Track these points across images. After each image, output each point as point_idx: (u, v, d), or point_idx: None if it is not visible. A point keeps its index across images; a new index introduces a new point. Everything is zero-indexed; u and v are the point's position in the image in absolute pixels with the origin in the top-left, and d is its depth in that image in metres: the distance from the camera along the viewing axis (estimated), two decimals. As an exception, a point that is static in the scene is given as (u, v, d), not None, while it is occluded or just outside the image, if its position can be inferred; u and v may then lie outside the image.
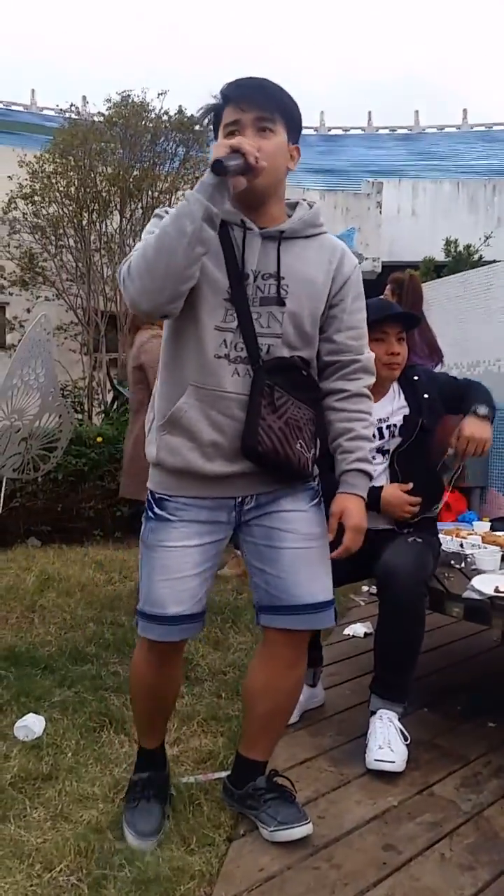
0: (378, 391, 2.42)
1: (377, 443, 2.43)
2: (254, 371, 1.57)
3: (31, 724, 2.26)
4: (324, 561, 1.71)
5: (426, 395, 2.42)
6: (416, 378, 2.46)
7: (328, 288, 1.64)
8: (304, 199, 1.68)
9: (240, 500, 1.66)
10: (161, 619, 1.64)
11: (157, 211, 1.61)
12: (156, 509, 1.66)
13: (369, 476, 1.73)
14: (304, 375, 1.64)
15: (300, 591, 1.66)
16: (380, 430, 2.42)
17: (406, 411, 2.42)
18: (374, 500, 2.27)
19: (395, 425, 2.41)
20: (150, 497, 1.70)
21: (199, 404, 1.57)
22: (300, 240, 1.62)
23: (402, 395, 2.44)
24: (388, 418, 2.42)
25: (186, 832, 1.77)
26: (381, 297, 3.50)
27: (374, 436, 2.40)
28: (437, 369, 3.65)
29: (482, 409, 2.31)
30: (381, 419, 2.42)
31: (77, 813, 1.87)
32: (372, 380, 1.75)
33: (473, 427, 2.28)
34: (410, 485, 2.36)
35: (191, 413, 1.57)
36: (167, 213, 1.52)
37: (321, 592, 1.69)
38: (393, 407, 2.43)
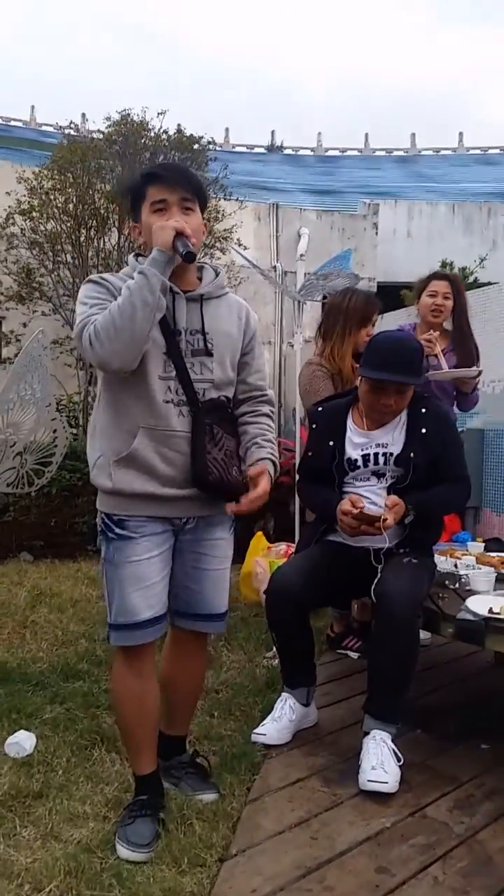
0: (381, 421, 2.44)
1: (372, 467, 2.44)
2: (194, 412, 1.85)
3: (22, 741, 2.24)
4: (227, 578, 2.04)
5: (423, 431, 2.42)
6: (423, 411, 2.45)
7: (241, 340, 1.97)
8: (208, 264, 1.99)
9: (184, 520, 1.92)
10: (136, 625, 1.85)
11: (91, 278, 1.87)
12: (116, 530, 1.86)
13: (274, 464, 2.02)
14: (229, 412, 1.96)
15: (214, 602, 1.99)
16: (376, 454, 2.43)
17: (402, 441, 2.42)
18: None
19: (391, 454, 2.42)
20: (106, 520, 1.88)
21: (153, 444, 1.83)
22: (214, 300, 1.93)
23: (405, 427, 2.44)
24: (386, 445, 2.43)
25: (178, 852, 1.76)
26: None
27: (370, 460, 2.43)
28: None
29: (410, 510, 2.33)
30: (379, 444, 2.43)
31: (67, 832, 1.85)
32: (271, 408, 2.07)
33: (398, 516, 2.30)
34: (362, 500, 2.35)
35: (145, 452, 1.82)
36: (104, 280, 1.83)
37: (224, 604, 2.03)
38: (394, 436, 2.45)
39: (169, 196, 1.81)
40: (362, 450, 2.46)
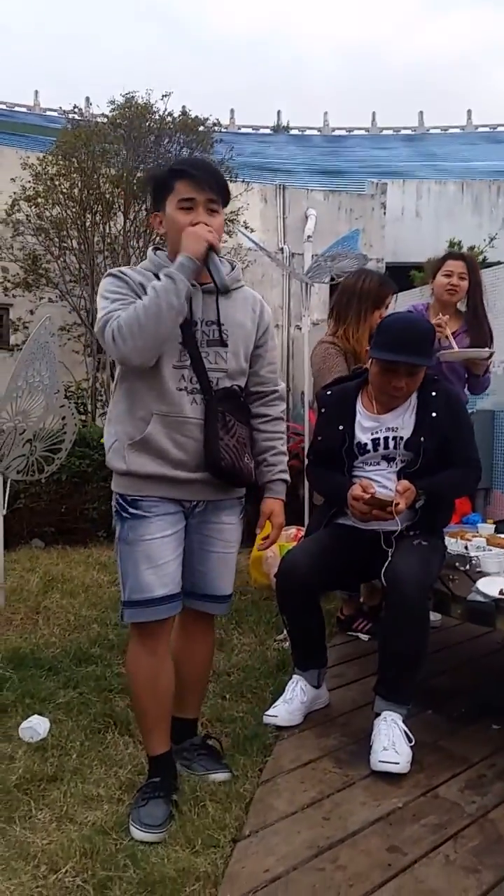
0: (391, 405, 2.43)
1: (382, 451, 2.43)
2: (207, 400, 1.90)
3: (36, 726, 2.27)
4: (233, 562, 2.09)
5: (434, 414, 2.40)
6: (433, 394, 2.43)
7: (255, 332, 2.02)
8: (225, 258, 1.99)
9: (194, 503, 1.97)
10: (150, 601, 1.88)
11: (112, 272, 1.91)
12: (130, 510, 1.90)
13: (286, 482, 2.12)
14: (241, 402, 2.01)
15: (218, 584, 2.04)
16: (386, 439, 2.42)
17: (413, 424, 2.41)
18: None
19: (401, 438, 2.41)
20: (121, 501, 1.92)
21: (165, 430, 1.88)
22: (230, 293, 1.97)
23: (415, 411, 2.43)
24: (396, 429, 2.42)
25: (192, 833, 1.78)
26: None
27: (379, 444, 2.42)
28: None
29: (421, 494, 2.32)
30: (389, 428, 2.42)
31: (82, 814, 1.87)
32: (283, 405, 2.12)
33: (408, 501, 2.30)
34: (373, 485, 2.35)
35: (158, 437, 1.87)
36: (123, 274, 1.87)
37: (228, 587, 2.08)
38: (404, 419, 2.43)
39: (197, 196, 1.85)
40: (372, 434, 2.45)
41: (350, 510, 2.37)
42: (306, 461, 2.75)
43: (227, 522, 2.03)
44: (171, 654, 2.05)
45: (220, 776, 2.04)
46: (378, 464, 2.45)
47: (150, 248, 1.98)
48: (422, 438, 2.38)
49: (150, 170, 2.01)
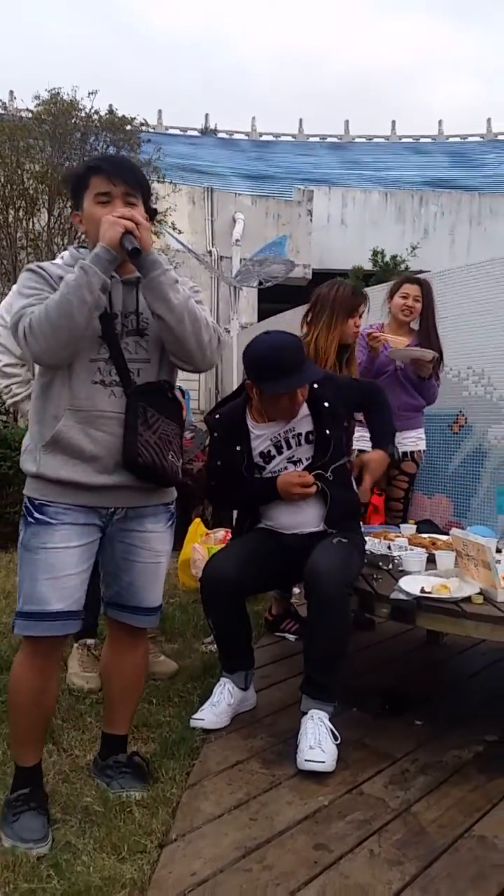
0: (283, 417, 2.46)
1: (286, 453, 2.46)
2: (127, 394, 1.81)
3: (-45, 737, 2.18)
4: (163, 573, 2.00)
5: (326, 404, 2.46)
6: (315, 386, 2.47)
7: None
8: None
9: (112, 510, 1.86)
10: (44, 615, 1.77)
11: (29, 266, 1.83)
12: (35, 514, 1.80)
13: None
14: (169, 397, 1.90)
15: (144, 596, 1.95)
16: (286, 440, 2.46)
17: (309, 419, 2.45)
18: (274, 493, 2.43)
19: (300, 434, 2.46)
20: (28, 504, 1.82)
21: (79, 425, 1.77)
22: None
23: (305, 405, 2.46)
24: (293, 428, 2.46)
25: (117, 840, 1.75)
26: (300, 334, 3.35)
27: (282, 446, 2.45)
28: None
29: (391, 450, 2.56)
30: (285, 430, 2.45)
31: (3, 826, 1.82)
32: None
33: (378, 467, 2.53)
34: (306, 473, 2.41)
35: (70, 433, 1.77)
36: (41, 269, 1.79)
37: (156, 599, 1.99)
38: (297, 419, 2.46)
39: (113, 189, 1.79)
40: (272, 439, 2.47)
41: (290, 496, 2.40)
42: (209, 487, 2.71)
43: (151, 530, 1.92)
44: (101, 665, 1.99)
45: (133, 794, 1.95)
46: (285, 469, 2.48)
47: (71, 246, 1.92)
48: (327, 431, 2.43)
49: (67, 170, 1.95)
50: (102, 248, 1.72)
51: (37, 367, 1.87)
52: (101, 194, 1.80)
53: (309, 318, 3.16)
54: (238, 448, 2.47)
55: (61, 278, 1.75)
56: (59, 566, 1.77)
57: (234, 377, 5.08)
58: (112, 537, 1.90)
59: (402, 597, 2.25)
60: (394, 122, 25.36)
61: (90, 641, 2.78)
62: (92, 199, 1.81)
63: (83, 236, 1.94)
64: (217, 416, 2.61)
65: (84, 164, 1.90)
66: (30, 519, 1.80)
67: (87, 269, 1.69)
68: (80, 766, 2.11)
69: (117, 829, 1.79)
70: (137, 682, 2.09)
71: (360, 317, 3.14)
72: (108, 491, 1.82)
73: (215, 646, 2.62)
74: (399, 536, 2.88)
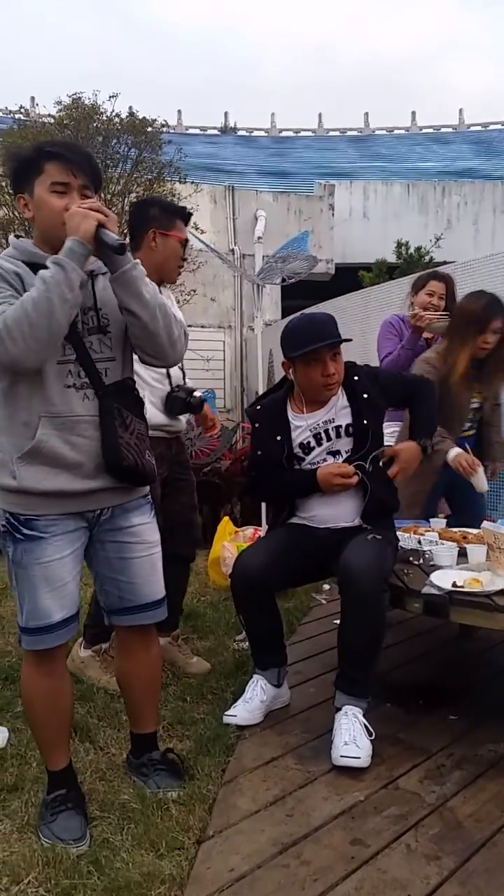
0: (326, 397, 2.45)
1: (325, 444, 2.46)
2: (99, 396, 1.76)
3: (-6, 736, 2.23)
4: (159, 563, 1.96)
5: (365, 396, 2.45)
6: (355, 378, 2.48)
7: None
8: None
9: (98, 512, 1.83)
10: (48, 628, 1.77)
11: None
12: (24, 530, 1.75)
13: None
14: (136, 395, 1.88)
15: (147, 590, 1.92)
16: (326, 431, 2.45)
17: (348, 411, 2.45)
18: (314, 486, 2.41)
19: (340, 426, 2.45)
20: (12, 520, 1.76)
21: (57, 432, 1.71)
22: (102, 276, 1.81)
23: (344, 396, 2.47)
24: (333, 420, 2.45)
25: (155, 837, 1.77)
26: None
27: (321, 437, 2.45)
28: None
29: (424, 443, 2.55)
30: (325, 421, 2.45)
31: (44, 823, 1.85)
32: None
33: (409, 458, 2.52)
34: (346, 465, 2.40)
35: (51, 442, 1.71)
36: (7, 263, 1.68)
37: (159, 591, 1.95)
38: (336, 410, 2.46)
39: (72, 180, 1.71)
40: (311, 430, 2.47)
41: (331, 487, 2.40)
42: (249, 478, 2.72)
43: (139, 523, 1.90)
44: (116, 671, 1.97)
45: (171, 793, 1.95)
46: (324, 461, 2.47)
47: (11, 235, 1.84)
48: (365, 422, 2.43)
49: (11, 149, 1.79)
50: (76, 241, 1.63)
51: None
52: (58, 184, 1.71)
53: (449, 332, 3.13)
54: (278, 438, 2.48)
55: (17, 273, 1.68)
56: (56, 578, 1.76)
57: (260, 374, 5.08)
58: (102, 540, 1.87)
59: (433, 591, 2.24)
60: (414, 112, 25.10)
61: (104, 645, 2.79)
62: (47, 187, 1.71)
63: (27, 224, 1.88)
64: (258, 408, 2.62)
65: (37, 146, 1.77)
66: (18, 536, 1.75)
67: (65, 265, 1.61)
68: (116, 764, 2.14)
69: (155, 826, 1.81)
70: (156, 680, 2.08)
71: (494, 333, 2.98)
72: (93, 494, 1.79)
73: (247, 643, 2.63)
74: (429, 531, 2.87)
